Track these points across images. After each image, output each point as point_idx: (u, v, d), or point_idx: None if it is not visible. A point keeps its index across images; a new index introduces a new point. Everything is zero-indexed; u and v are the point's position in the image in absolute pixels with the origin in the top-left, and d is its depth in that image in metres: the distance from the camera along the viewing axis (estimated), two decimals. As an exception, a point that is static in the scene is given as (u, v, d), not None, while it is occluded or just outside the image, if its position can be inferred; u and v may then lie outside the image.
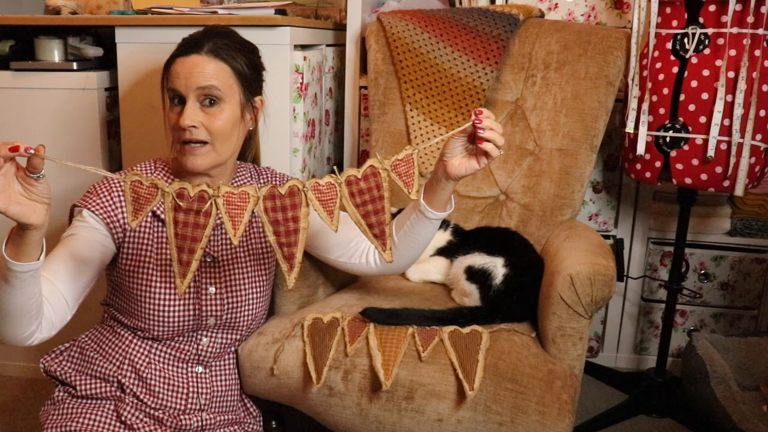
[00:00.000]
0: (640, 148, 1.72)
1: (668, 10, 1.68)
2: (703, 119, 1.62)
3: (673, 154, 1.68)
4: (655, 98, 1.70)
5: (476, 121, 1.10)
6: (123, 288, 1.28)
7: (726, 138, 1.61)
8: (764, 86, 1.58)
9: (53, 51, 1.86)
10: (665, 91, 1.68)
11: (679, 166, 1.68)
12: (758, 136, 1.61)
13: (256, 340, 1.38)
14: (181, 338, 1.31)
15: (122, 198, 1.25)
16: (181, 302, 1.26)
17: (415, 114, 1.83)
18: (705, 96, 1.61)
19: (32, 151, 0.90)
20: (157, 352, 1.30)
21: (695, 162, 1.65)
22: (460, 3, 2.14)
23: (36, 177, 0.93)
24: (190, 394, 1.31)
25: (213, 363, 1.35)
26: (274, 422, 1.52)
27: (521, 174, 1.76)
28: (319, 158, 2.01)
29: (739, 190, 1.62)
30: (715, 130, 1.60)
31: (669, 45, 1.68)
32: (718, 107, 1.59)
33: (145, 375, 1.28)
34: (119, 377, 1.27)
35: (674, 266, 1.91)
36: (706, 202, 2.11)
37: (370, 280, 1.65)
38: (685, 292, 2.08)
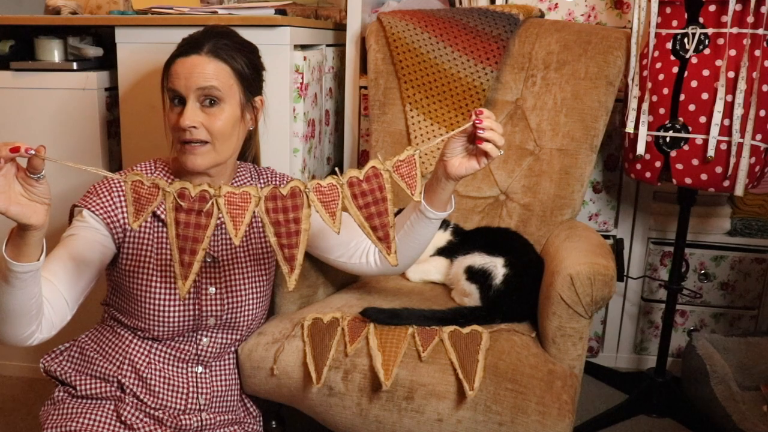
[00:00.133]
0: (640, 148, 1.72)
1: (668, 10, 1.68)
2: (703, 119, 1.62)
3: (673, 154, 1.68)
4: (655, 98, 1.70)
5: (476, 121, 1.10)
6: (123, 288, 1.28)
7: (726, 138, 1.61)
8: (764, 86, 1.58)
9: (53, 51, 1.86)
10: (665, 91, 1.68)
11: (679, 166, 1.68)
12: (758, 136, 1.61)
13: (256, 340, 1.38)
14: (181, 338, 1.31)
15: (122, 198, 1.25)
16: (181, 302, 1.26)
17: (415, 114, 1.83)
18: (705, 96, 1.61)
19: (33, 152, 0.90)
20: (157, 352, 1.30)
21: (695, 162, 1.65)
22: (460, 3, 2.14)
23: (36, 178, 0.93)
24: (190, 394, 1.31)
25: (213, 363, 1.35)
26: (274, 422, 1.52)
27: (521, 174, 1.76)
28: (319, 158, 2.01)
29: (739, 190, 1.62)
30: (715, 130, 1.60)
31: (669, 45, 1.68)
32: (718, 107, 1.59)
33: (145, 375, 1.28)
34: (119, 377, 1.27)
35: (674, 266, 1.91)
36: (706, 202, 2.11)
37: (370, 280, 1.65)
38: (685, 292, 2.08)
